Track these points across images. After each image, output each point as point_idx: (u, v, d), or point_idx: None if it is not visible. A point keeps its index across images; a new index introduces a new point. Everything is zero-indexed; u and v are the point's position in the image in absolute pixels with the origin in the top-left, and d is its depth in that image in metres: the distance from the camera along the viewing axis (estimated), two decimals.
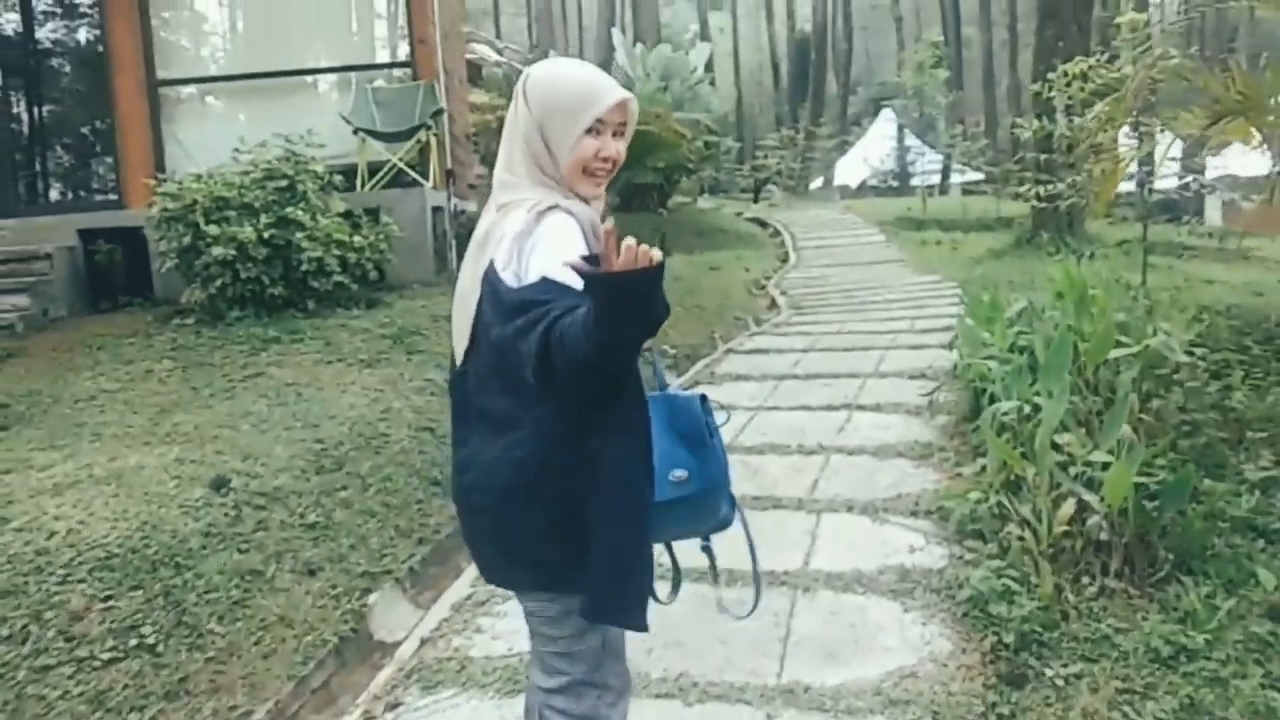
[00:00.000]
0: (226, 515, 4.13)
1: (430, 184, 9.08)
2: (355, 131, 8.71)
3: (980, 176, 30.30)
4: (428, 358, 6.49)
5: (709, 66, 32.64)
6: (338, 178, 7.66)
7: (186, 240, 6.70)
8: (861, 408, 6.24)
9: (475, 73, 25.88)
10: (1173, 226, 13.16)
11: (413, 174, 9.01)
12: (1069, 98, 11.10)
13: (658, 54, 19.31)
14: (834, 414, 6.14)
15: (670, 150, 11.87)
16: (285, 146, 7.34)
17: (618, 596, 2.02)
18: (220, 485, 4.24)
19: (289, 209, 6.82)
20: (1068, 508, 4.05)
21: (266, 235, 6.66)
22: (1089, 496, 4.05)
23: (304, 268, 6.81)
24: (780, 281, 12.86)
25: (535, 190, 2.06)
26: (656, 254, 1.66)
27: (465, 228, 9.15)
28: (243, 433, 5.06)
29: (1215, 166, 16.00)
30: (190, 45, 9.78)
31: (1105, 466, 4.11)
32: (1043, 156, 11.74)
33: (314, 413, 5.40)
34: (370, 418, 5.42)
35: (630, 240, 1.65)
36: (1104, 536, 3.99)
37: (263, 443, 4.91)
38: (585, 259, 1.71)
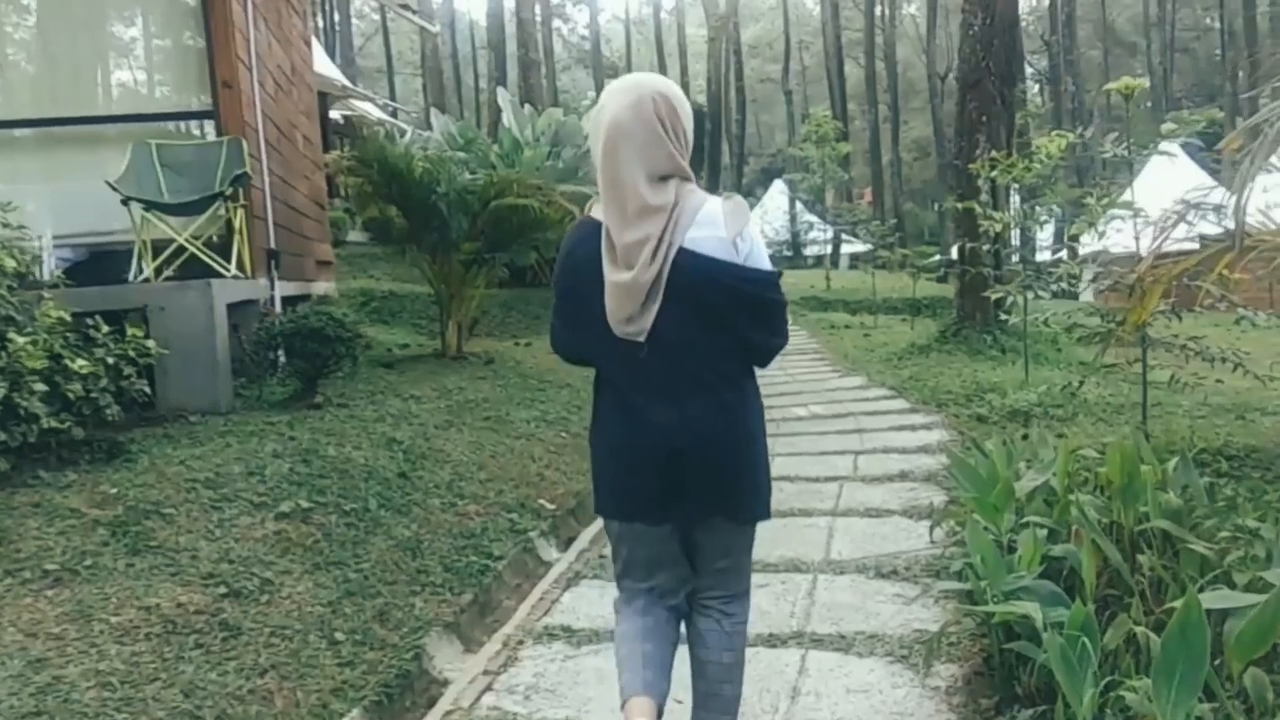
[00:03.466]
0: None
1: (234, 270, 6.65)
2: (124, 202, 6.26)
3: (868, 247, 29.20)
4: (162, 560, 4.04)
5: None
6: (54, 273, 5.10)
7: None
8: (818, 642, 3.96)
9: (355, 130, 23.62)
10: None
11: (211, 258, 6.59)
12: (1015, 179, 9.27)
13: (549, 117, 17.16)
14: (779, 655, 3.86)
15: (555, 228, 9.60)
16: None
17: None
18: None
19: None
20: None
21: None
22: None
23: None
24: None
25: (687, 178, 2.46)
26: None
27: (311, 319, 6.64)
28: None
29: (1086, 242, 14.73)
30: None
31: None
32: (986, 248, 9.79)
33: None
34: (8, 716, 2.98)
35: None
36: None
37: None
38: None
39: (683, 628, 2.74)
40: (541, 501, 6.00)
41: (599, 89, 46.35)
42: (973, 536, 3.72)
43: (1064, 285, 11.76)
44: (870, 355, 12.27)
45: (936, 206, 47.01)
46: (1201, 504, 4.17)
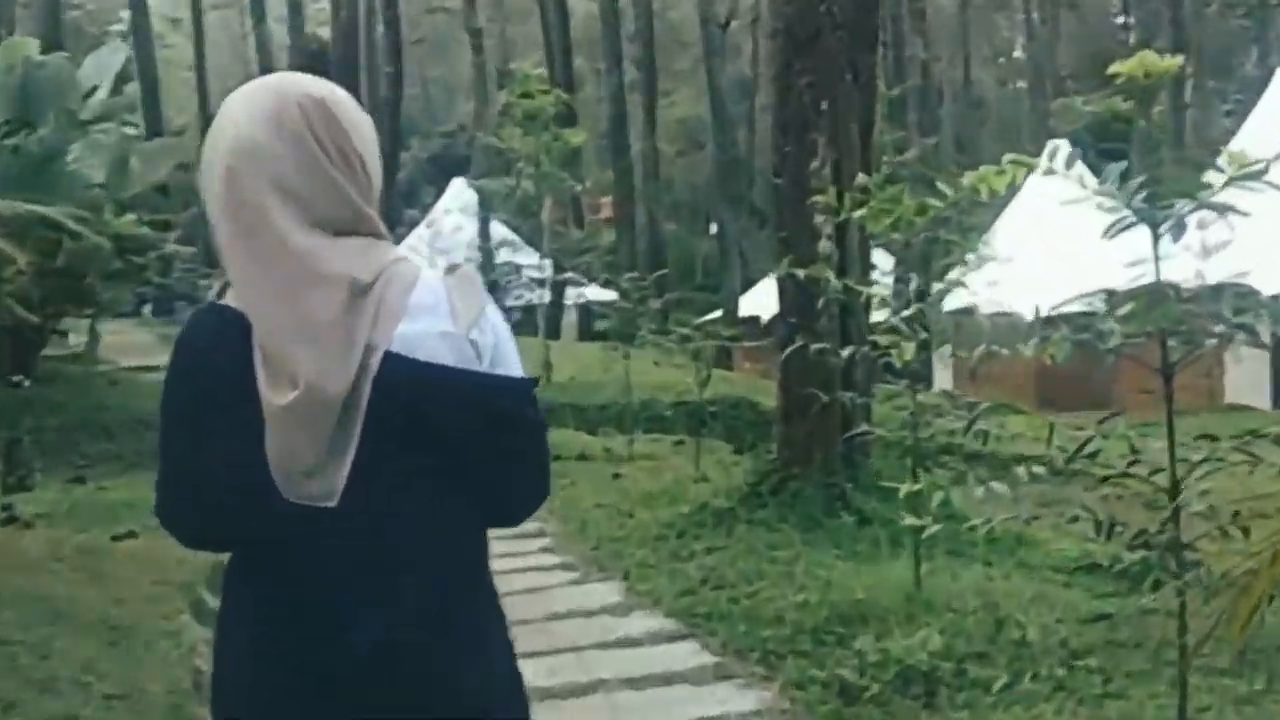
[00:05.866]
0: None
1: None
2: None
3: (613, 296, 28.99)
4: None
5: (151, 88, 29.02)
6: None
7: None
8: None
9: None
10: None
11: None
12: (895, 226, 8.48)
13: (9, 51, 15.59)
14: None
15: None
16: None
17: None
18: None
19: None
20: None
21: None
22: None
23: None
24: None
25: (380, 235, 2.47)
26: None
27: None
28: None
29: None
30: None
31: None
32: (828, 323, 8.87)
33: None
34: None
35: None
36: None
37: None
38: None
39: None
40: None
41: (137, 11, 44.39)
42: None
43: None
44: (628, 528, 11.38)
45: (714, 229, 47.52)
46: None
